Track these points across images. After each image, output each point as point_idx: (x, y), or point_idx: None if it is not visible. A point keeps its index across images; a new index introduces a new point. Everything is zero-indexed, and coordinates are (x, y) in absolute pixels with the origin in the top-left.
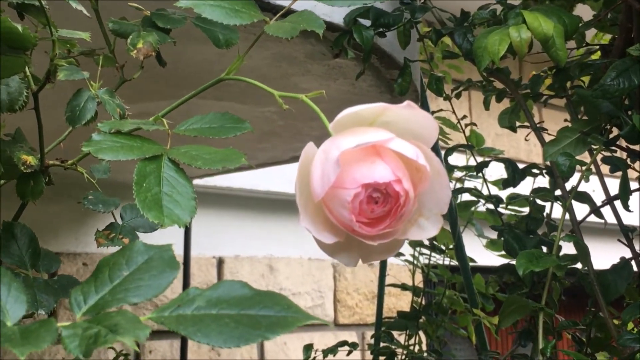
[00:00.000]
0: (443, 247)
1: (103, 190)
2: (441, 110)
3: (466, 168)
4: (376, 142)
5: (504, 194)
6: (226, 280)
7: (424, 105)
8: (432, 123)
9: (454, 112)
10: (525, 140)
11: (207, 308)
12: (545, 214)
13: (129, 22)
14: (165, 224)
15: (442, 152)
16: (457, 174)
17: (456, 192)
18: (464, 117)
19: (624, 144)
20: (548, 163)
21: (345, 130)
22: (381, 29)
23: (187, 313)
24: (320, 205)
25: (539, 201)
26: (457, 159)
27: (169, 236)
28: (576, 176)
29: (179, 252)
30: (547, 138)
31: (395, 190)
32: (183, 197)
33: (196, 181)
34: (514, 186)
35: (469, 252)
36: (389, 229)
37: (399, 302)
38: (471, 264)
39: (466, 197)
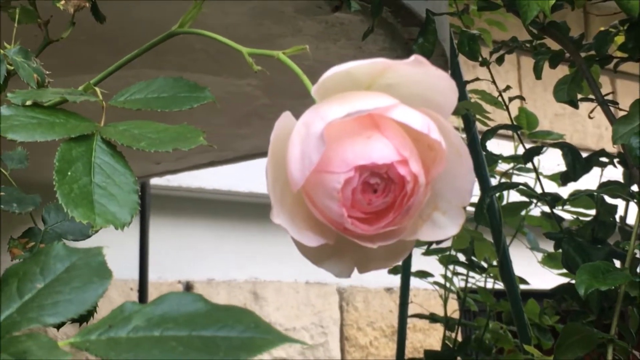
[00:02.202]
0: (484, 264)
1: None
2: (477, 79)
3: (513, 158)
4: (373, 109)
5: (565, 192)
6: (172, 292)
7: (456, 74)
8: (449, 85)
9: (493, 81)
10: (590, 117)
11: (147, 329)
12: (617, 217)
13: None
14: (97, 224)
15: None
16: (503, 166)
17: (500, 189)
18: (508, 87)
19: None
20: (621, 148)
21: (333, 96)
22: None
23: (121, 336)
24: (301, 195)
25: (608, 199)
26: (502, 147)
27: (117, 253)
28: None
29: (132, 275)
30: (620, 115)
31: (399, 174)
32: (121, 190)
33: (156, 181)
34: (575, 180)
35: (520, 270)
36: (393, 226)
37: (427, 338)
38: (522, 286)
39: (515, 197)
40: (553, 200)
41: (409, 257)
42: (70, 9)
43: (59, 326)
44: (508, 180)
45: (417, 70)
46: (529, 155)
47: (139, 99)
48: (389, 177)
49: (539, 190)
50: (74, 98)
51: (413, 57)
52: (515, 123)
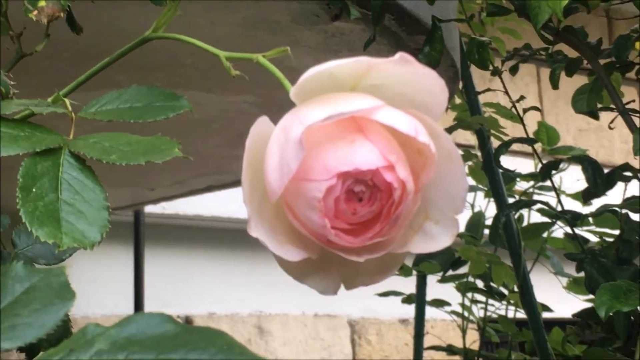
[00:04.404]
0: (504, 291)
1: None
2: (489, 90)
3: (533, 176)
4: (356, 112)
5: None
6: (140, 313)
7: (468, 86)
8: (438, 84)
9: (506, 91)
10: (610, 128)
11: (111, 352)
12: None
13: None
14: (64, 244)
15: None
16: (522, 185)
17: (516, 207)
18: (522, 98)
19: None
20: None
21: (314, 99)
22: None
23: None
24: (281, 207)
25: (633, 216)
26: (522, 165)
27: (110, 286)
28: None
29: (127, 310)
30: None
31: (385, 181)
32: (90, 207)
33: (151, 209)
34: (597, 196)
35: (544, 297)
36: (380, 237)
37: None
38: (546, 314)
39: (536, 218)
40: (573, 218)
41: (424, 285)
42: (44, 19)
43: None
44: (528, 199)
45: (403, 69)
46: (547, 170)
47: (111, 110)
48: (375, 185)
49: (559, 210)
50: (41, 110)
51: (398, 55)
52: (534, 138)
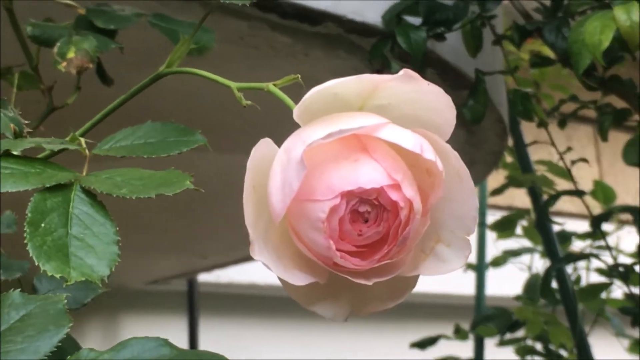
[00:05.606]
0: (564, 353)
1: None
2: (535, 142)
3: (588, 235)
4: (359, 129)
5: None
6: (135, 337)
7: (519, 144)
8: (444, 102)
9: (552, 143)
10: None
11: None
12: None
13: (57, 24)
14: (71, 278)
15: None
16: (578, 244)
17: (566, 261)
18: (569, 149)
19: None
20: None
21: (318, 119)
22: (438, 30)
23: None
24: (287, 230)
25: None
26: (579, 228)
27: None
28: None
29: None
30: None
31: (391, 201)
32: (100, 241)
33: (205, 277)
34: None
35: (603, 357)
36: (388, 259)
37: None
38: None
39: (595, 279)
40: (627, 272)
41: (481, 349)
42: (73, 70)
43: None
44: (587, 261)
45: (409, 87)
46: (597, 221)
47: (125, 146)
48: (381, 204)
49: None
50: (53, 147)
51: (402, 71)
52: (588, 195)
